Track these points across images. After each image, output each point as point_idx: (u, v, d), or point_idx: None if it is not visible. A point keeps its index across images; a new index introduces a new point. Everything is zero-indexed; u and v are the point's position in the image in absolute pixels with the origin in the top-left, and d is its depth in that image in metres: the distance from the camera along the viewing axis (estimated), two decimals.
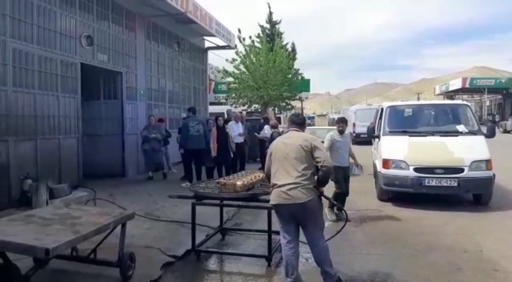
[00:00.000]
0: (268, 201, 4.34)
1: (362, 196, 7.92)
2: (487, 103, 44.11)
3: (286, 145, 3.74)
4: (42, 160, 7.55)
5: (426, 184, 6.89)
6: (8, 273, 3.47)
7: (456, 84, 41.98)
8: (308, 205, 3.57)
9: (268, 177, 3.97)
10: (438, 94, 50.77)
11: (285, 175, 3.64)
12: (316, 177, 3.72)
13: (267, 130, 11.12)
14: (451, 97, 41.58)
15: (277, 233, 4.98)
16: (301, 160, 3.62)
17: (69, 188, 7.45)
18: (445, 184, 6.83)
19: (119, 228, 3.97)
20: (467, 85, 39.32)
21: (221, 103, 22.13)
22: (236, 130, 10.26)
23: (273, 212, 3.96)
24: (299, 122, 4.00)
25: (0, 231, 3.33)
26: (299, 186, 3.56)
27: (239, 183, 4.41)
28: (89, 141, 9.23)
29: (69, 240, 3.26)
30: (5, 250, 3.33)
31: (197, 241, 4.71)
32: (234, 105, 19.23)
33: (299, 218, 3.67)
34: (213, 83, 24.21)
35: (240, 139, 10.41)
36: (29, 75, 7.31)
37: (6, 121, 6.77)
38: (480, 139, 7.37)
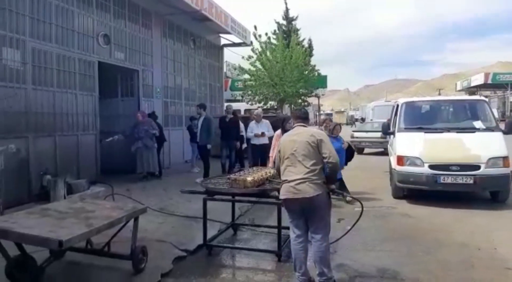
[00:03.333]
0: (277, 197, 4.39)
1: (376, 192, 7.87)
2: (511, 99, 42.92)
3: (293, 141, 3.75)
4: (61, 156, 7.75)
5: (442, 181, 6.79)
6: (24, 264, 3.61)
7: (478, 79, 40.98)
8: (315, 200, 3.58)
9: (278, 172, 4.01)
10: (460, 90, 49.68)
11: (294, 171, 3.67)
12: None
13: None
14: (473, 93, 40.64)
15: (287, 228, 5.03)
16: (309, 156, 3.64)
17: (87, 184, 7.64)
18: (461, 181, 6.72)
19: (132, 221, 4.07)
20: (489, 81, 38.34)
21: (237, 101, 22.20)
22: (254, 130, 9.45)
23: (283, 207, 4.00)
24: (303, 116, 4.03)
25: (17, 224, 3.45)
26: (308, 180, 3.58)
27: (249, 178, 4.45)
28: (106, 138, 9.40)
29: (82, 233, 3.36)
30: (21, 242, 3.47)
31: (209, 236, 4.79)
32: (250, 103, 19.26)
33: (307, 212, 3.69)
34: (230, 80, 24.30)
35: (262, 140, 9.34)
36: (48, 74, 7.51)
37: (26, 118, 6.98)
38: (497, 136, 7.21)
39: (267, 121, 9.69)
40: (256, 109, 11.87)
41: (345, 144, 7.50)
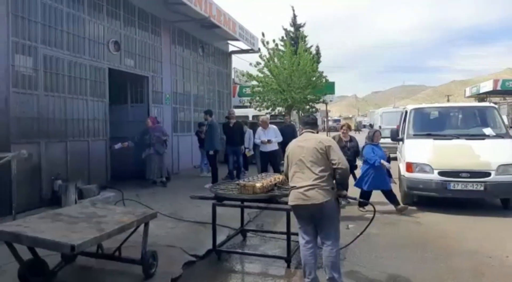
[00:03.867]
0: (287, 203, 4.39)
1: (385, 199, 7.82)
2: None
3: (301, 148, 3.76)
4: (72, 161, 7.84)
5: (451, 188, 6.75)
6: (36, 267, 3.66)
7: (487, 86, 40.66)
8: (325, 206, 3.58)
9: (286, 178, 4.03)
10: (469, 97, 49.28)
11: (302, 178, 3.68)
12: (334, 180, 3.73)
13: None
14: (482, 100, 40.29)
15: (296, 234, 5.02)
16: (317, 162, 3.65)
17: (97, 189, 7.71)
18: (471, 188, 6.68)
19: (142, 226, 4.11)
20: (498, 87, 38.00)
21: (245, 107, 22.26)
22: (262, 137, 9.22)
23: (292, 213, 4.00)
24: (312, 122, 4.05)
25: (30, 228, 3.50)
26: (317, 187, 3.59)
27: (258, 184, 4.47)
28: (115, 144, 9.49)
29: (94, 237, 3.39)
30: (34, 246, 3.52)
31: (218, 241, 4.81)
32: (258, 109, 19.30)
33: (316, 218, 3.69)
34: (238, 86, 24.40)
35: (270, 147, 9.17)
36: (59, 80, 7.62)
37: (38, 124, 7.08)
38: (507, 143, 7.17)
39: (275, 127, 9.55)
40: (264, 115, 11.84)
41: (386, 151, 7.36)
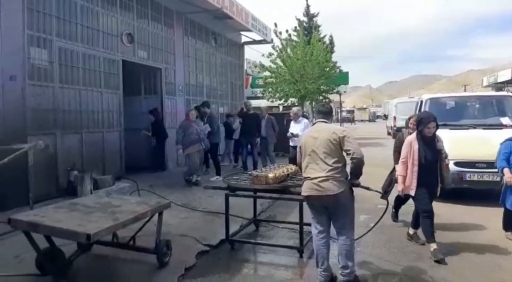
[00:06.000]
0: (299, 193, 4.38)
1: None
2: None
3: (314, 138, 3.72)
4: (87, 152, 7.95)
5: (467, 178, 6.65)
6: (53, 256, 3.73)
7: (505, 75, 39.77)
8: (339, 197, 3.58)
9: (299, 168, 4.01)
10: (486, 86, 48.29)
11: (316, 169, 3.66)
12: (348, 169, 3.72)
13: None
14: (499, 89, 39.42)
15: (309, 225, 5.02)
16: (330, 153, 3.62)
17: (112, 179, 7.81)
18: (487, 179, 6.56)
19: (156, 216, 4.16)
20: None
21: (258, 98, 22.22)
22: (290, 129, 8.70)
23: (305, 203, 4.00)
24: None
25: (46, 217, 3.58)
26: (331, 178, 3.57)
27: (271, 175, 4.46)
28: (130, 135, 9.60)
29: (109, 226, 3.45)
30: (51, 235, 3.59)
31: (231, 231, 4.84)
32: (270, 100, 19.25)
33: (331, 209, 3.69)
34: (250, 78, 24.33)
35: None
36: (74, 72, 7.71)
37: (54, 115, 7.19)
38: None
39: (306, 121, 8.97)
40: (286, 107, 11.74)
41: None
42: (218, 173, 9.27)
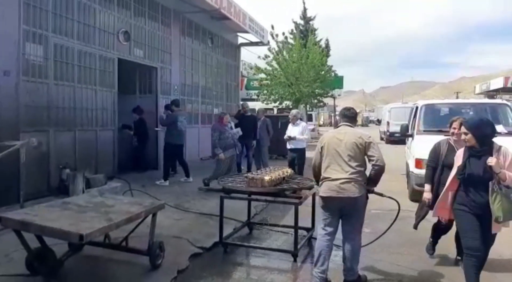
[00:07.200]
0: (295, 197, 4.37)
1: (393, 195, 7.75)
2: None
3: (339, 140, 3.74)
4: (80, 151, 7.86)
5: None
6: (44, 256, 3.66)
7: (497, 83, 40.23)
8: (358, 200, 3.64)
9: (315, 169, 3.98)
10: (479, 94, 48.81)
11: (339, 170, 3.68)
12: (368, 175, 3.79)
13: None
14: (491, 97, 39.82)
15: (304, 229, 5.01)
16: (354, 157, 3.66)
17: (105, 179, 7.71)
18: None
19: (150, 217, 4.10)
20: (509, 85, 37.58)
21: (253, 100, 22.24)
22: (287, 132, 8.52)
23: (300, 207, 3.98)
24: (351, 116, 4.01)
25: (38, 216, 3.51)
26: (353, 181, 3.62)
27: (266, 177, 4.44)
28: (124, 134, 9.50)
29: (102, 227, 3.39)
30: (42, 234, 3.52)
31: (225, 234, 4.80)
32: (265, 102, 19.26)
33: (346, 211, 3.72)
34: (245, 79, 24.35)
35: (297, 144, 8.33)
36: (69, 69, 7.62)
37: (47, 112, 7.09)
38: None
39: (304, 124, 8.82)
40: (285, 109, 11.75)
41: None
42: (187, 175, 8.92)
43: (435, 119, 8.10)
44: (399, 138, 13.61)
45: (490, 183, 3.24)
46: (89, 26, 8.14)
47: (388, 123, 22.73)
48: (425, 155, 7.05)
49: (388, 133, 20.94)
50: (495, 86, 40.98)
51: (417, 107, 8.45)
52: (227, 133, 8.03)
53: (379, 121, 35.93)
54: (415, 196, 7.40)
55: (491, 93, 43.31)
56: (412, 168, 7.32)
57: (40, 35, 6.93)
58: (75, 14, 7.72)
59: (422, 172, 7.00)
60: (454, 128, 4.28)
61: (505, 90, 40.60)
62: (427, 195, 4.15)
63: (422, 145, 7.43)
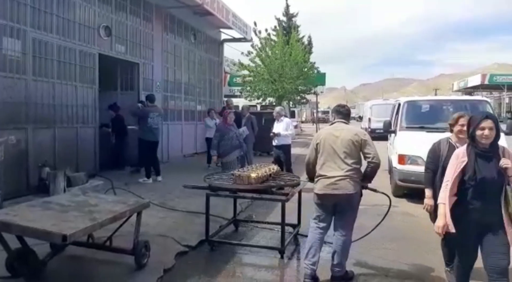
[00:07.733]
0: (282, 194, 4.36)
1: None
2: (506, 100, 43.20)
3: (335, 137, 3.74)
4: (60, 148, 7.67)
5: None
6: (25, 257, 3.55)
7: (475, 80, 41.17)
8: (353, 197, 3.67)
9: (309, 166, 3.96)
10: (456, 91, 49.89)
11: (334, 167, 3.69)
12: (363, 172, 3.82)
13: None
14: (469, 94, 40.75)
15: (290, 225, 5.02)
16: (350, 154, 3.67)
17: (86, 177, 7.57)
18: None
19: (134, 216, 4.02)
20: (486, 82, 38.50)
21: (235, 96, 22.15)
22: (273, 129, 8.55)
23: (286, 204, 3.95)
24: (345, 113, 4.00)
25: (19, 217, 3.39)
26: (348, 178, 3.64)
27: (253, 175, 4.41)
28: (103, 131, 9.32)
29: (86, 227, 3.30)
30: (23, 235, 3.41)
31: (211, 232, 4.76)
32: (248, 99, 19.23)
33: (341, 207, 3.74)
34: (228, 76, 24.23)
35: (281, 141, 8.33)
36: (48, 65, 7.41)
37: (25, 109, 6.89)
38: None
39: (288, 120, 8.79)
40: (269, 106, 11.76)
41: None
42: (157, 173, 8.70)
43: (417, 116, 8.22)
44: (380, 134, 13.75)
45: (507, 187, 2.83)
46: (69, 21, 7.93)
47: (369, 119, 23.00)
48: (408, 150, 7.22)
49: (369, 129, 21.16)
50: (472, 83, 41.88)
51: (399, 104, 8.55)
52: (231, 133, 7.52)
53: (360, 118, 36.29)
54: (398, 191, 7.53)
55: (468, 90, 44.34)
56: (395, 163, 7.40)
57: (18, 30, 6.72)
58: (54, 8, 7.51)
59: (405, 167, 7.15)
60: (462, 125, 3.61)
61: (482, 87, 41.56)
62: (428, 201, 3.77)
63: (405, 141, 7.54)
